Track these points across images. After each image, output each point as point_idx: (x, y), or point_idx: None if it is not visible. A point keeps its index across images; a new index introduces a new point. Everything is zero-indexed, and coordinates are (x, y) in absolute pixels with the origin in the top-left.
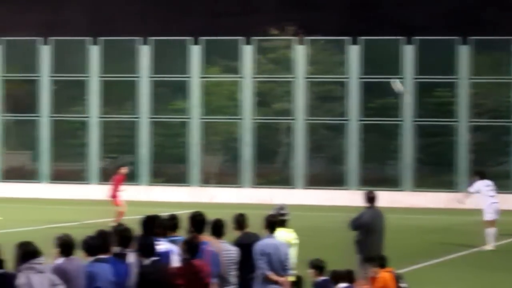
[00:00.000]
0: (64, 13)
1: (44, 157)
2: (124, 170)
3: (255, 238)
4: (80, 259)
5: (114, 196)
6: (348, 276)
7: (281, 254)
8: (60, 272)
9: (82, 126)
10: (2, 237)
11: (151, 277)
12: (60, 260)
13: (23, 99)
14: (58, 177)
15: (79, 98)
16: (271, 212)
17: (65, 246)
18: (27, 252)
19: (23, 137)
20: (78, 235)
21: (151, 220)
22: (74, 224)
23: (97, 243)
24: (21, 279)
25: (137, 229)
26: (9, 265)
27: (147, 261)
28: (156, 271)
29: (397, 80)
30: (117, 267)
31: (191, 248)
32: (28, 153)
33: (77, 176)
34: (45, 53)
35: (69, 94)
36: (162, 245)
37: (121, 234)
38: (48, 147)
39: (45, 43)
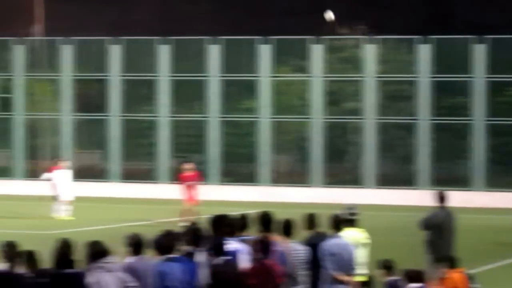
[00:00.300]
0: (134, 12)
1: (115, 156)
2: (188, 166)
3: (325, 237)
4: (150, 258)
5: (187, 195)
6: (419, 276)
7: (348, 254)
8: (130, 270)
9: (152, 125)
10: (74, 236)
11: (222, 276)
12: (131, 259)
13: (93, 98)
14: (128, 176)
15: (149, 98)
16: (340, 211)
17: (136, 245)
18: (97, 252)
19: (93, 136)
20: (148, 234)
21: (219, 220)
22: (144, 223)
23: (167, 242)
24: (91, 278)
25: (207, 229)
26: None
27: (218, 261)
28: (227, 270)
29: (330, 11)
30: (187, 266)
31: (263, 247)
32: (99, 152)
33: (147, 175)
34: (115, 53)
35: (139, 94)
36: (230, 244)
37: (192, 233)
38: (118, 147)
39: (116, 42)
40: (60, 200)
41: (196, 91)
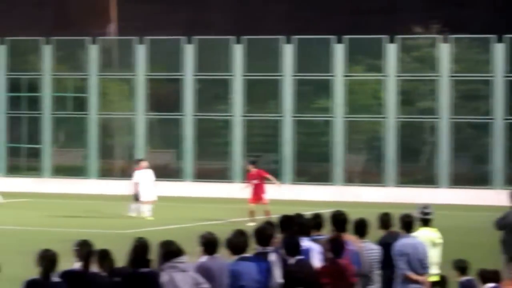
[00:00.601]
0: (208, 12)
1: (188, 155)
2: (250, 167)
3: (398, 237)
4: (224, 258)
5: (254, 194)
6: (494, 276)
7: (420, 253)
8: (204, 270)
9: (226, 124)
10: (147, 235)
11: (296, 275)
12: (204, 258)
13: (167, 98)
14: (202, 175)
15: (223, 97)
16: (416, 210)
17: (209, 244)
18: (169, 251)
19: (167, 135)
20: (222, 234)
21: (289, 220)
22: (217, 223)
23: (240, 242)
24: (164, 278)
25: (278, 228)
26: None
27: (292, 260)
28: (301, 270)
29: None
30: (260, 266)
31: (336, 247)
32: (172, 151)
33: (221, 175)
34: (189, 52)
35: (213, 93)
36: (302, 243)
37: (262, 233)
38: (192, 146)
39: (189, 42)
40: (142, 200)
41: (270, 91)
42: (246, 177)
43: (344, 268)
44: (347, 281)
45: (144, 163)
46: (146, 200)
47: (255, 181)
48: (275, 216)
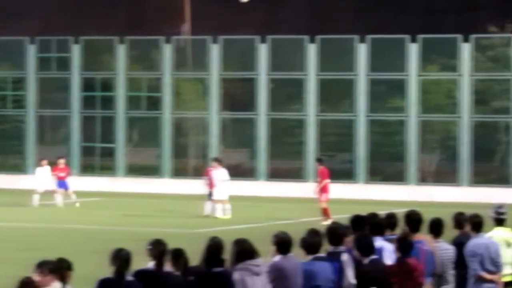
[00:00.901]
0: (282, 11)
1: (262, 155)
2: (318, 166)
3: (471, 237)
4: (297, 257)
5: (319, 193)
6: None
7: (492, 253)
8: (277, 269)
9: (299, 124)
10: (220, 234)
11: (370, 275)
12: (277, 258)
13: (240, 97)
14: (275, 174)
15: (297, 96)
16: (489, 211)
17: (282, 243)
18: (243, 250)
19: (240, 135)
20: (295, 233)
21: (360, 219)
22: (290, 222)
23: (315, 241)
24: (235, 277)
25: (349, 228)
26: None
27: (366, 260)
28: (375, 270)
29: None
30: (334, 266)
31: (403, 246)
32: (246, 151)
33: (295, 174)
34: (263, 52)
35: (287, 92)
36: (376, 243)
37: (334, 232)
38: (266, 145)
39: (263, 41)
40: (215, 199)
41: (344, 90)
42: (319, 174)
43: (412, 267)
44: (415, 281)
45: (218, 163)
46: (219, 199)
47: (327, 180)
48: (347, 216)
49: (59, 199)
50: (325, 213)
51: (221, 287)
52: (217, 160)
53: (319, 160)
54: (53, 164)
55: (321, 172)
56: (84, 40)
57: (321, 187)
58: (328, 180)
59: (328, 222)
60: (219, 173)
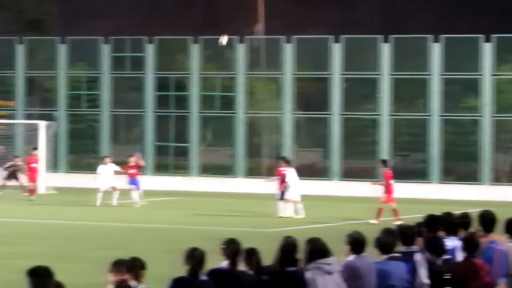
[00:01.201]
0: (356, 11)
1: (335, 154)
2: (382, 167)
3: None
4: (371, 257)
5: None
6: None
7: None
8: (351, 269)
9: (373, 124)
10: (294, 234)
11: (444, 275)
12: (351, 257)
13: (314, 96)
14: (349, 174)
15: (370, 96)
16: None
17: (356, 243)
18: (315, 249)
19: (314, 134)
20: (368, 233)
21: (434, 219)
22: (364, 222)
23: (390, 241)
24: (308, 275)
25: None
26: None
27: (439, 260)
28: (449, 270)
29: (225, 37)
30: (408, 266)
31: (469, 246)
32: (319, 150)
33: (368, 174)
34: (336, 51)
35: (360, 92)
36: (449, 242)
37: (406, 232)
38: (339, 145)
39: (337, 41)
40: (287, 199)
41: (417, 90)
42: (385, 175)
43: (477, 267)
44: (481, 281)
45: (285, 163)
46: (291, 199)
47: (390, 181)
48: (421, 216)
49: (135, 196)
50: (395, 213)
51: (294, 286)
52: (284, 159)
53: (383, 162)
54: (124, 164)
55: (384, 173)
56: (158, 40)
57: (385, 188)
58: (391, 181)
59: (375, 221)
60: (289, 173)
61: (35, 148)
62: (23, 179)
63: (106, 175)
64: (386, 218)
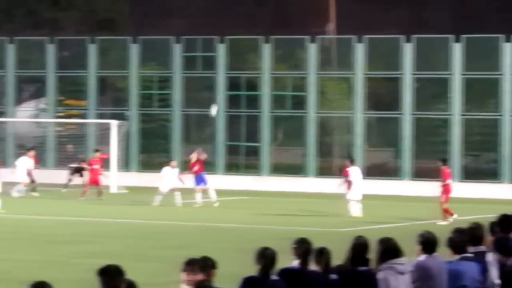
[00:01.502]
0: (427, 10)
1: (406, 154)
2: (441, 166)
3: None
4: (442, 257)
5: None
6: None
7: None
8: (422, 269)
9: (444, 123)
10: (364, 233)
11: None
12: (422, 257)
13: (385, 96)
14: (420, 174)
15: (442, 96)
16: None
17: (428, 243)
18: (387, 249)
19: (385, 134)
20: (440, 233)
21: (507, 219)
22: (435, 222)
23: (463, 241)
24: (379, 276)
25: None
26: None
27: (510, 261)
28: None
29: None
30: (480, 266)
31: (500, 247)
32: (390, 150)
33: (439, 174)
34: (407, 51)
35: (432, 92)
36: None
37: (475, 233)
38: (410, 145)
39: (408, 40)
40: (349, 198)
41: (489, 90)
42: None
43: None
44: None
45: (351, 162)
46: (352, 198)
47: (449, 180)
48: (493, 216)
49: (198, 197)
50: (445, 212)
51: (365, 286)
52: (349, 159)
53: (443, 161)
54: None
55: (443, 172)
56: (230, 39)
57: (443, 187)
58: (449, 181)
59: (445, 222)
60: (353, 172)
61: (97, 150)
62: (86, 178)
63: (170, 178)
64: (464, 217)
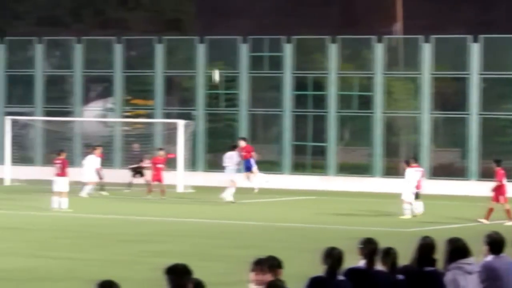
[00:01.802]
0: (494, 10)
1: (473, 154)
2: (495, 167)
3: None
4: (509, 257)
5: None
6: None
7: None
8: (489, 269)
9: (511, 124)
10: (432, 234)
11: None
12: (490, 258)
13: (452, 96)
14: (487, 174)
15: (509, 96)
16: None
17: (495, 243)
18: (456, 249)
19: (452, 134)
20: (508, 233)
21: None
22: (502, 222)
23: None
24: (448, 276)
25: None
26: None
27: None
28: None
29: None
30: None
31: None
32: (457, 150)
33: (507, 174)
34: (475, 51)
35: (499, 92)
36: None
37: None
38: (477, 145)
39: (475, 40)
40: (403, 199)
41: None
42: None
43: None
44: None
45: (405, 163)
46: (406, 199)
47: (504, 181)
48: None
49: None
50: (508, 214)
51: (431, 286)
52: (408, 159)
53: (496, 161)
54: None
55: (497, 173)
56: (296, 39)
57: (495, 188)
58: (503, 182)
59: (486, 221)
60: (408, 173)
61: (161, 149)
62: (148, 177)
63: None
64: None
